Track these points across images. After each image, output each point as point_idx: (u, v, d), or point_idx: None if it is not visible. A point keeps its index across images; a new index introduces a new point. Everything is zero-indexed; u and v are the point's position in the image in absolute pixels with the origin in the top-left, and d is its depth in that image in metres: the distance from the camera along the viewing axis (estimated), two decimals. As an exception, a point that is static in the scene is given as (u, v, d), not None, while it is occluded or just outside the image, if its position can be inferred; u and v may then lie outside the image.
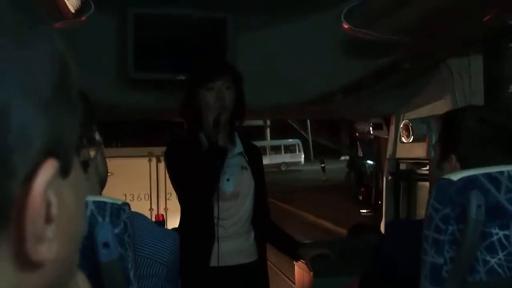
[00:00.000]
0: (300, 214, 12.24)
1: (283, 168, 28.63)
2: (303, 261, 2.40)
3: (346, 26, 2.12)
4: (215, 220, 2.06)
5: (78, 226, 0.41)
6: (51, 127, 0.36)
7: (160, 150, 5.98)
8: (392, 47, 2.24)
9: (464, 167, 1.33)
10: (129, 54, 2.34)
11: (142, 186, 6.39)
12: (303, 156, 30.67)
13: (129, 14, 2.29)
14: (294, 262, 2.71)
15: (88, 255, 0.86)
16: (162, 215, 6.35)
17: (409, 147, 2.86)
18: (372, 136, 3.59)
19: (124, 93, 2.47)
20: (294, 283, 2.95)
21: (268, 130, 31.32)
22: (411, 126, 2.70)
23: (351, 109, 3.20)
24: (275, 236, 2.29)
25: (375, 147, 3.77)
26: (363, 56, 2.45)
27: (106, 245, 0.86)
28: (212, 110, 2.02)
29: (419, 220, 1.31)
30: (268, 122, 28.42)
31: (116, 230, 0.90)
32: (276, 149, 29.92)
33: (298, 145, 30.19)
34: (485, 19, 1.82)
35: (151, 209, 6.40)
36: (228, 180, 2.10)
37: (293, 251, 2.31)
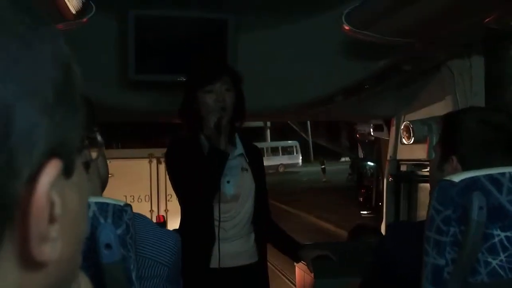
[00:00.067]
0: (301, 215, 12.24)
1: (281, 170, 28.59)
2: (304, 262, 2.40)
3: (346, 27, 2.12)
4: (216, 222, 2.06)
5: (81, 227, 0.41)
6: (55, 128, 0.36)
7: (160, 151, 5.98)
8: (393, 49, 2.24)
9: (465, 168, 1.33)
10: (130, 56, 2.34)
11: (143, 188, 6.39)
12: (300, 157, 30.63)
13: (130, 16, 2.29)
14: (295, 263, 2.71)
15: (90, 256, 0.86)
16: (163, 216, 6.35)
17: (409, 148, 2.86)
18: (373, 138, 3.59)
19: (125, 94, 2.48)
20: (295, 285, 2.95)
21: (268, 132, 31.32)
22: (411, 128, 2.70)
23: (352, 111, 3.20)
24: (276, 237, 2.29)
25: (376, 149, 3.77)
26: (363, 58, 2.46)
27: (108, 246, 0.86)
28: (212, 112, 2.02)
29: (419, 222, 1.31)
30: (269, 124, 28.41)
31: (118, 231, 0.90)
32: (274, 151, 29.88)
33: (296, 146, 30.14)
34: (486, 20, 1.82)
35: (151, 211, 6.40)
36: (228, 182, 2.10)
37: (293, 252, 2.31)
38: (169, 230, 1.18)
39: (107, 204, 0.91)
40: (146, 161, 6.43)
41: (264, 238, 2.21)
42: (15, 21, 0.35)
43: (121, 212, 0.91)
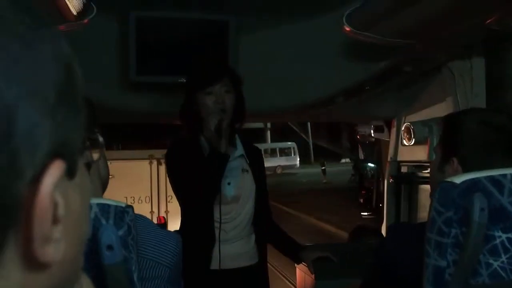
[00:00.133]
0: (301, 217, 12.24)
1: (278, 171, 28.50)
2: (304, 264, 2.40)
3: (347, 28, 2.13)
4: (216, 224, 2.06)
5: (83, 228, 0.41)
6: (57, 128, 0.36)
7: (160, 153, 5.97)
8: (394, 50, 2.24)
9: (466, 170, 1.33)
10: (131, 57, 2.34)
11: (143, 189, 6.39)
12: (298, 159, 30.52)
13: (131, 17, 2.29)
14: (296, 265, 2.71)
15: (92, 257, 0.86)
16: (164, 217, 6.35)
17: (410, 149, 2.86)
18: (373, 139, 3.59)
19: (126, 96, 2.48)
20: (295, 286, 2.95)
21: (268, 133, 31.28)
22: (412, 129, 2.70)
23: (353, 112, 3.20)
24: (277, 238, 2.29)
25: (376, 150, 3.77)
26: (364, 59, 2.46)
27: (110, 247, 0.86)
28: (212, 114, 2.01)
29: (420, 223, 1.31)
30: (269, 125, 28.38)
31: (120, 233, 0.90)
32: (272, 152, 29.78)
33: (294, 148, 30.01)
34: (487, 21, 1.82)
35: (152, 212, 6.40)
36: (229, 184, 2.10)
37: (294, 254, 2.31)
38: (170, 231, 1.18)
39: (109, 205, 0.91)
40: (146, 162, 6.43)
41: (264, 239, 2.21)
42: (15, 21, 0.35)
43: (123, 213, 0.91)
